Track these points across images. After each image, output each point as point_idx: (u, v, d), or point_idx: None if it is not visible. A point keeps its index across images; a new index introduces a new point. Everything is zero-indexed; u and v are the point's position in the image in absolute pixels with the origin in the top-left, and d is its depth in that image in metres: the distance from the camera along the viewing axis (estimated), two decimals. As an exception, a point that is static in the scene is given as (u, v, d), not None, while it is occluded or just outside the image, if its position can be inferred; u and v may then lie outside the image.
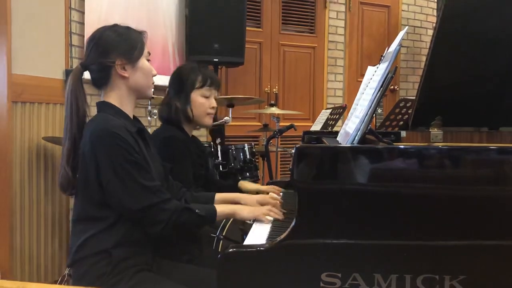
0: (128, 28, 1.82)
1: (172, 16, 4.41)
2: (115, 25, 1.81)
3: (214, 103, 2.33)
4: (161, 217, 1.65)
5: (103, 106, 1.77)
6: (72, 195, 1.76)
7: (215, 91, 2.35)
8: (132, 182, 1.63)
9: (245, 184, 2.46)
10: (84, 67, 1.77)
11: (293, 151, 1.56)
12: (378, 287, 1.49)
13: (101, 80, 1.78)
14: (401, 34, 1.75)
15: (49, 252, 3.17)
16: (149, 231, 1.67)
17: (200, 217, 1.74)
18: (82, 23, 3.52)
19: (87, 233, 1.66)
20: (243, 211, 1.88)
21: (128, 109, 1.81)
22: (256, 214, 1.88)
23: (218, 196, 2.10)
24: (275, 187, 2.33)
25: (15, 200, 2.86)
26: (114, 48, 1.75)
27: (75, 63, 3.43)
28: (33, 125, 3.02)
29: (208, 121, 2.34)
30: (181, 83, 2.29)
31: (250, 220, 1.96)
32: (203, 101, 2.29)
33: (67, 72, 3.32)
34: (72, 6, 3.42)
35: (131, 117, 1.82)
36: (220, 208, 1.82)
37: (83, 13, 3.52)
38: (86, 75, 1.77)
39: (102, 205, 1.65)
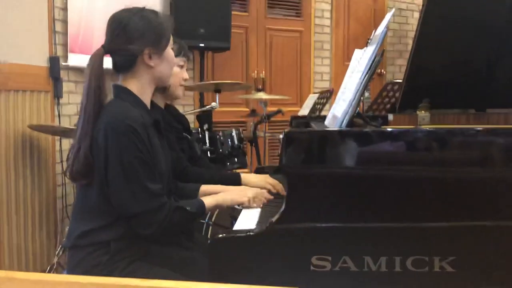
0: (156, 13, 1.75)
1: (157, 1, 4.36)
2: (144, 10, 1.73)
3: (186, 75, 2.32)
4: (155, 220, 1.63)
5: (122, 93, 1.72)
6: (86, 185, 1.67)
7: (187, 62, 2.33)
8: (137, 182, 1.60)
9: (248, 177, 2.27)
10: (107, 51, 1.70)
11: (281, 136, 1.56)
12: (368, 270, 1.50)
13: (124, 66, 1.73)
14: (387, 17, 1.75)
15: (37, 242, 3.15)
16: (141, 233, 1.64)
17: (191, 214, 1.73)
18: (65, 9, 3.47)
19: (92, 224, 1.65)
20: (227, 200, 1.88)
21: (147, 98, 1.77)
22: (239, 200, 1.90)
23: (203, 188, 2.05)
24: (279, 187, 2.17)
25: (0, 190, 2.83)
26: (142, 36, 1.69)
27: (59, 50, 3.39)
28: (18, 114, 2.98)
29: (181, 92, 2.32)
30: None
31: (239, 206, 1.96)
32: (177, 71, 2.26)
33: (51, 59, 3.28)
34: (55, -8, 3.37)
35: (149, 106, 1.78)
36: (207, 201, 1.80)
37: (66, -2, 3.47)
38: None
39: (109, 199, 1.63)
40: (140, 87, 1.74)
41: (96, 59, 1.68)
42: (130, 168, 1.60)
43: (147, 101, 1.78)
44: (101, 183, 1.63)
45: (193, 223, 2.09)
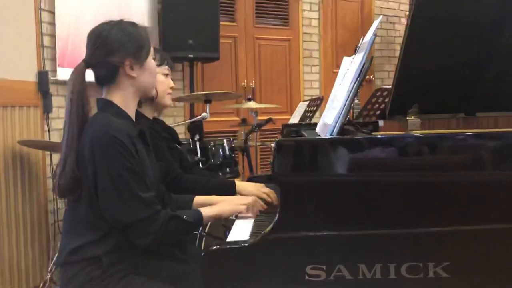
0: (134, 25, 1.76)
1: (144, 14, 4.36)
2: (121, 22, 1.74)
3: (172, 83, 2.33)
4: (151, 229, 1.61)
5: (106, 106, 1.71)
6: (75, 200, 1.66)
7: (171, 71, 2.35)
8: (128, 192, 1.59)
9: (243, 185, 2.27)
10: (88, 64, 1.70)
11: (273, 145, 1.56)
12: (363, 277, 1.49)
13: (106, 78, 1.72)
14: (375, 24, 1.76)
15: (30, 257, 3.12)
16: (137, 243, 1.63)
17: (188, 224, 1.72)
18: (52, 24, 3.46)
19: (83, 239, 1.63)
20: (225, 210, 1.87)
21: (131, 109, 1.76)
22: (238, 209, 1.89)
23: (197, 199, 2.05)
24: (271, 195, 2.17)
25: (-8, 206, 2.81)
26: (122, 47, 1.69)
27: (48, 65, 3.38)
28: (7, 129, 2.96)
29: (169, 101, 2.33)
30: None
31: (232, 216, 1.95)
32: (163, 79, 2.27)
33: (40, 74, 3.26)
34: (42, 6, 3.36)
35: (133, 118, 1.77)
36: (205, 211, 1.79)
37: (53, 13, 3.46)
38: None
39: (99, 213, 1.62)
40: (124, 99, 1.74)
41: (78, 74, 1.68)
42: (119, 179, 1.59)
43: (131, 112, 1.77)
44: (90, 198, 1.62)
45: (189, 234, 2.07)
